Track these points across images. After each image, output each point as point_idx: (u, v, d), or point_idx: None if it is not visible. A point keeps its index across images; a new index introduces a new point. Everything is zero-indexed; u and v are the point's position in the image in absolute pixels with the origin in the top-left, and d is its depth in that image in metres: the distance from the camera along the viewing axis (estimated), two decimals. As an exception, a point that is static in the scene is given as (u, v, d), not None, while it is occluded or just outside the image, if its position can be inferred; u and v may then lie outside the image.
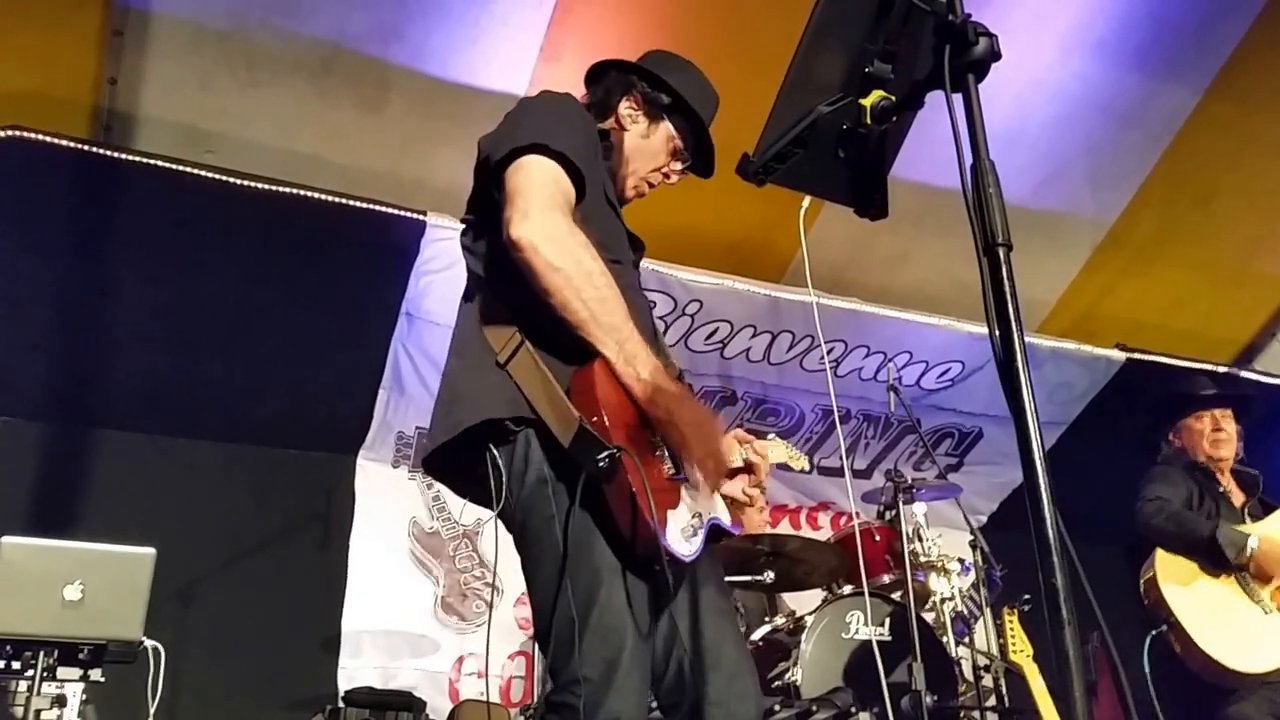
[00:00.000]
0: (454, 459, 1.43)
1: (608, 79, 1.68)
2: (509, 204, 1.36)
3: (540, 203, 1.34)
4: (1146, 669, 2.46)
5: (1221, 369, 4.35)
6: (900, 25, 1.10)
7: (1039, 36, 3.46)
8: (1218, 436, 2.79)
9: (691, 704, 1.37)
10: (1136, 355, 4.22)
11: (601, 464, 1.24)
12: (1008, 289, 0.93)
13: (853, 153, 1.17)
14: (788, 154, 1.17)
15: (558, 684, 1.29)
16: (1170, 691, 2.52)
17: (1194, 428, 2.83)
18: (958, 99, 0.97)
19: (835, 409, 3.28)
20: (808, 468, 2.07)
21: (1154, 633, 2.53)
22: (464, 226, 1.56)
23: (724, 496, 1.49)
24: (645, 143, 1.65)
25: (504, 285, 1.43)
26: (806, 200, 1.50)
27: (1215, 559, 2.54)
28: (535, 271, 1.32)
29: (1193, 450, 2.82)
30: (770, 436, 1.88)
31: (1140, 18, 3.51)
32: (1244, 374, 4.49)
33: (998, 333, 0.93)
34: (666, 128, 1.65)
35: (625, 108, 1.65)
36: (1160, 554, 2.60)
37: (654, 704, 1.42)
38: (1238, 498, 2.78)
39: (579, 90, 1.69)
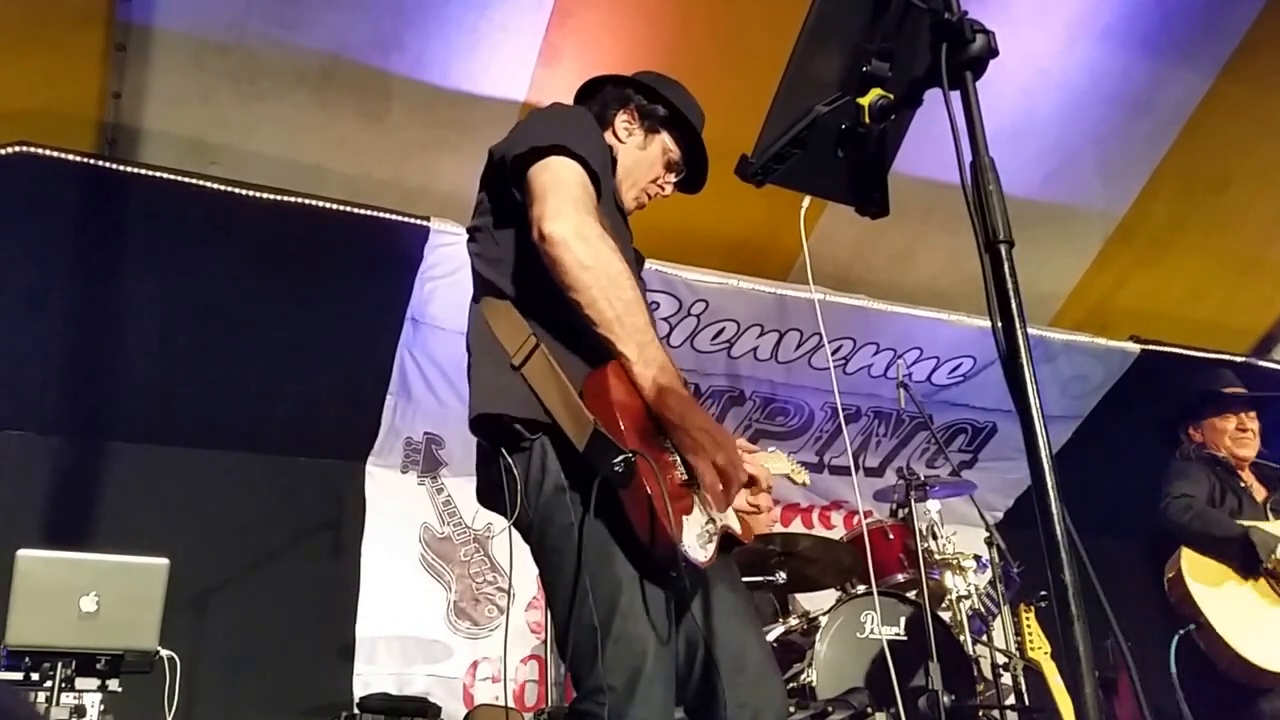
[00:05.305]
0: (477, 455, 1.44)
1: (603, 93, 1.69)
2: (539, 201, 1.36)
3: (573, 201, 1.36)
4: (1174, 669, 2.42)
5: (1238, 359, 4.29)
6: (897, 23, 1.09)
7: (1044, 26, 3.43)
8: (1242, 437, 2.75)
9: (716, 707, 1.36)
10: (1151, 347, 4.17)
11: (617, 468, 1.24)
12: (1010, 285, 0.92)
13: (852, 152, 1.16)
14: (786, 154, 1.17)
15: (581, 693, 1.29)
16: (1198, 690, 2.48)
17: (1218, 425, 2.79)
18: (956, 96, 0.96)
19: (840, 407, 3.26)
20: (809, 482, 2.07)
21: (1181, 631, 2.49)
22: (470, 233, 1.56)
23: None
24: (642, 154, 1.66)
25: (520, 287, 1.43)
26: (807, 200, 1.49)
27: (1243, 559, 2.50)
28: (565, 268, 1.32)
29: (1214, 446, 2.78)
30: (771, 449, 1.87)
31: (1147, 3, 3.47)
32: (1262, 363, 4.42)
33: (1001, 329, 0.92)
34: (663, 140, 1.67)
35: (622, 121, 1.66)
36: (1186, 551, 2.57)
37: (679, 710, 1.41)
38: (1259, 493, 2.74)
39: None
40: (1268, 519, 2.61)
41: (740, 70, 2.67)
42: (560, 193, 1.36)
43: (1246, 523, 2.54)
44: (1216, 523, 2.54)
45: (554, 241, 1.32)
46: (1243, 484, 2.73)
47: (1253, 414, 2.80)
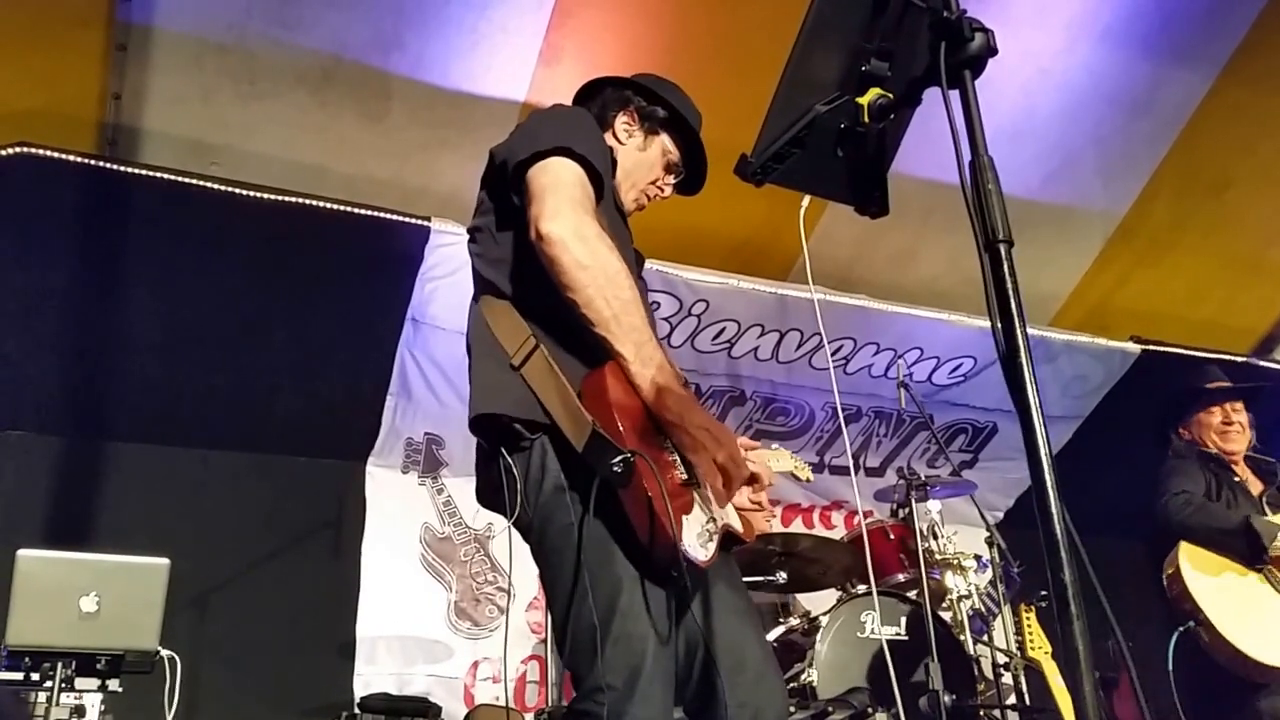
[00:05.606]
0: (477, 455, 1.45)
1: (603, 95, 1.70)
2: (537, 201, 1.37)
3: (570, 201, 1.36)
4: (1170, 667, 2.42)
5: (1239, 359, 4.29)
6: (896, 22, 1.09)
7: (1044, 26, 3.43)
8: (1228, 430, 2.74)
9: (716, 706, 1.36)
10: (1152, 347, 4.17)
11: (616, 468, 1.24)
12: (1010, 285, 0.92)
13: (851, 151, 1.16)
14: (786, 154, 1.17)
15: (580, 692, 1.29)
16: (1199, 688, 2.48)
17: (1204, 421, 2.78)
18: (955, 95, 0.96)
19: (839, 407, 3.26)
20: (813, 479, 2.07)
21: (1180, 629, 2.49)
22: (470, 233, 1.57)
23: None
24: (642, 156, 1.67)
25: (519, 288, 1.44)
26: (806, 200, 1.49)
27: (1244, 550, 2.49)
28: (562, 267, 1.32)
29: (1203, 442, 2.78)
30: (775, 446, 1.87)
31: (1147, 4, 3.47)
32: (1263, 363, 4.42)
33: (1001, 329, 0.92)
34: (662, 141, 1.68)
35: (621, 122, 1.67)
36: (1184, 548, 2.56)
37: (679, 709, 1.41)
38: (1255, 487, 2.73)
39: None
40: (1265, 512, 2.61)
41: (741, 70, 2.67)
42: (558, 193, 1.37)
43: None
44: (1217, 515, 2.54)
45: (551, 241, 1.32)
46: (1237, 479, 2.72)
47: (1239, 406, 2.79)
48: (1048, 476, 0.87)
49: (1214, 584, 2.50)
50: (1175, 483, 2.63)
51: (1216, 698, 2.49)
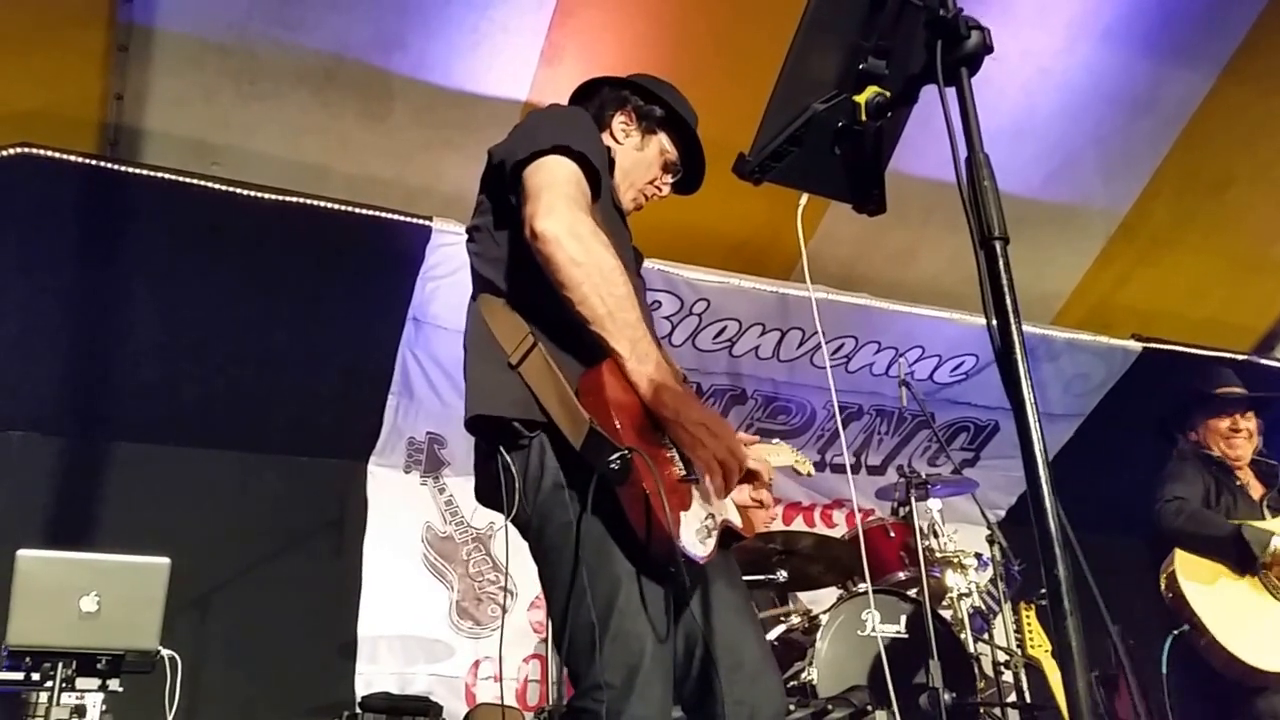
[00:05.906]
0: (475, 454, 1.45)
1: (601, 94, 1.70)
2: (533, 199, 1.37)
3: (565, 199, 1.36)
4: (1164, 669, 2.42)
5: (1240, 357, 4.29)
6: (893, 20, 1.09)
7: (1044, 25, 3.43)
8: (1235, 437, 2.74)
9: (713, 704, 1.36)
10: (1153, 345, 4.17)
11: (613, 465, 1.24)
12: (1005, 282, 0.92)
13: (849, 149, 1.16)
14: (784, 152, 1.17)
15: (579, 690, 1.29)
16: (1196, 689, 2.48)
17: (1211, 425, 2.78)
18: (952, 93, 0.96)
19: (837, 408, 3.27)
20: (814, 473, 2.07)
21: (1175, 632, 2.48)
22: (469, 233, 1.57)
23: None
24: (640, 155, 1.67)
25: (517, 286, 1.44)
26: (804, 198, 1.49)
27: (1237, 558, 2.49)
28: (557, 265, 1.33)
29: (1208, 446, 2.78)
30: (776, 441, 1.87)
31: (1148, 4, 3.47)
32: (1264, 362, 4.42)
33: (996, 326, 0.92)
34: (660, 141, 1.68)
35: (619, 122, 1.68)
36: (1179, 553, 2.57)
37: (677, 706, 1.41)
38: (1256, 490, 2.73)
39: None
40: (1264, 516, 2.61)
41: (741, 69, 2.67)
42: (553, 190, 1.37)
43: (1238, 520, 2.54)
44: (1209, 523, 2.54)
45: (546, 239, 1.33)
46: (1239, 482, 2.72)
47: (1249, 414, 2.78)
48: (1042, 472, 0.87)
49: (1209, 589, 2.50)
50: (1170, 488, 2.63)
51: (1214, 698, 2.49)
